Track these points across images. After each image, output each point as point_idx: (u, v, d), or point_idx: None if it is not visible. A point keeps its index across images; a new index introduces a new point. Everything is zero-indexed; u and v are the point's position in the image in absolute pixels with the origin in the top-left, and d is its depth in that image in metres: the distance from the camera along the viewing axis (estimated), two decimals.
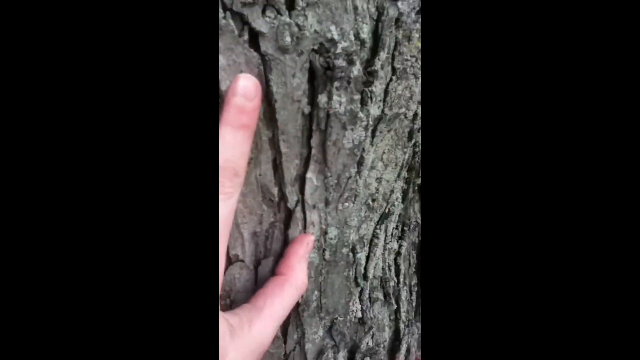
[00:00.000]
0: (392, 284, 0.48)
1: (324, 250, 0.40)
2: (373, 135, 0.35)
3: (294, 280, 0.35)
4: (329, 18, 0.29)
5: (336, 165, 0.35)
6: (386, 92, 0.34)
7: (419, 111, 0.37)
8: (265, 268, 0.38)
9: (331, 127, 0.33)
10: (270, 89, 0.30)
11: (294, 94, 0.31)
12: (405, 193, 0.44)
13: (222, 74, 0.29)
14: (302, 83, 0.31)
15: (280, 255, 0.38)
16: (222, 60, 0.28)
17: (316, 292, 0.42)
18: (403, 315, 0.50)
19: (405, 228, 0.47)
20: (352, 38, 0.30)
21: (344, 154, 0.35)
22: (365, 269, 0.44)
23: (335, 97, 0.31)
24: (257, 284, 0.39)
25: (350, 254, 0.42)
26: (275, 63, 0.29)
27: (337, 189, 0.37)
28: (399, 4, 0.31)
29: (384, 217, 0.43)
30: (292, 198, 0.36)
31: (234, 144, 0.28)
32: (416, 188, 0.45)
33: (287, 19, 0.28)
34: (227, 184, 0.29)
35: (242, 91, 0.28)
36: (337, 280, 0.42)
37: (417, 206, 0.47)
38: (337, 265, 0.42)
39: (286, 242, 0.38)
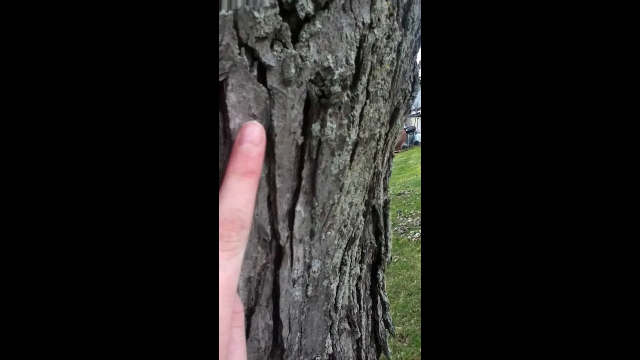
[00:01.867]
0: (355, 311, 0.48)
1: (307, 286, 0.39)
2: (352, 159, 0.36)
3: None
4: (326, 47, 0.30)
5: (323, 194, 0.35)
6: (361, 115, 0.35)
7: (383, 132, 0.39)
8: (257, 316, 0.35)
9: (322, 154, 0.33)
10: (271, 123, 0.29)
11: (291, 126, 0.31)
12: (364, 215, 0.45)
13: (232, 112, 0.27)
14: (299, 114, 0.31)
15: (271, 298, 0.36)
16: (232, 97, 0.27)
17: (298, 334, 0.40)
18: (364, 343, 0.51)
19: (364, 250, 0.48)
20: (345, 64, 0.31)
21: (330, 180, 0.35)
22: (336, 299, 0.44)
23: (328, 124, 0.32)
24: (249, 335, 0.36)
25: (328, 286, 0.41)
26: (278, 97, 0.29)
27: (322, 218, 0.36)
28: (375, 30, 0.33)
29: (350, 242, 0.44)
30: (284, 234, 0.34)
31: (240, 192, 0.27)
32: (371, 209, 0.46)
33: (293, 51, 0.28)
34: (234, 237, 0.26)
35: (248, 138, 0.27)
36: (317, 316, 0.41)
37: (370, 227, 0.48)
38: (317, 300, 0.41)
39: (276, 284, 0.36)
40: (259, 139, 0.28)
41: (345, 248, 0.43)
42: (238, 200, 0.27)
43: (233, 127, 0.27)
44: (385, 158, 0.45)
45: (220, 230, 0.26)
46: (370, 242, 0.49)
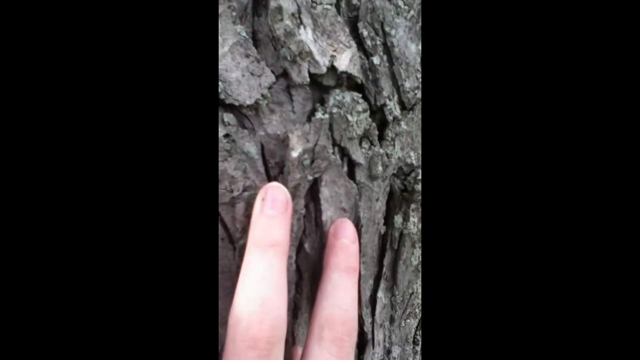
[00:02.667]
0: None
1: None
2: None
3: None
4: (409, 144, 0.31)
5: (403, 283, 0.36)
6: None
7: None
8: None
9: (403, 246, 0.34)
10: (358, 215, 0.31)
11: (375, 217, 0.32)
12: None
13: (324, 205, 0.29)
14: (382, 205, 0.32)
15: None
16: (325, 192, 0.29)
17: None
18: None
19: None
20: (421, 161, 0.33)
21: (410, 270, 0.36)
22: None
23: (410, 219, 0.33)
24: None
25: None
26: (365, 190, 0.31)
27: (402, 306, 0.37)
28: None
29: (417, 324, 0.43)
30: (367, 320, 0.35)
31: (346, 289, 0.26)
32: None
33: (380, 150, 0.30)
34: (347, 342, 0.25)
35: (344, 233, 0.28)
36: None
37: None
38: None
39: None
40: (354, 237, 0.28)
41: (417, 327, 0.43)
42: (345, 298, 0.26)
43: (325, 219, 0.29)
44: None
45: (329, 332, 0.25)
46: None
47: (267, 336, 0.22)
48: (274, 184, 0.26)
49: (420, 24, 0.31)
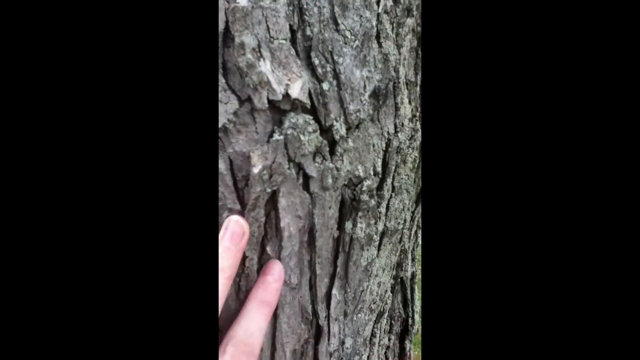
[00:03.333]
0: None
1: (341, 359, 0.43)
2: (379, 249, 0.42)
3: None
4: (357, 159, 0.36)
5: (354, 281, 0.40)
6: (387, 208, 0.41)
7: (408, 217, 0.44)
8: None
9: (353, 249, 0.39)
10: (313, 221, 0.35)
11: (329, 223, 0.36)
12: (393, 288, 0.50)
13: (282, 213, 0.33)
14: (335, 212, 0.37)
15: None
16: (283, 202, 0.33)
17: None
18: None
19: (393, 321, 0.52)
20: (372, 173, 0.37)
21: (360, 270, 0.40)
22: None
23: (358, 225, 0.38)
24: None
25: None
26: (319, 199, 0.35)
27: (354, 302, 0.41)
28: (399, 135, 0.39)
29: (380, 315, 0.48)
30: (322, 314, 0.39)
31: (256, 320, 0.31)
32: (399, 280, 0.51)
33: (330, 164, 0.34)
34: None
35: (270, 272, 0.33)
36: None
37: (399, 296, 0.53)
38: None
39: (316, 356, 0.41)
40: (279, 276, 0.33)
41: (375, 321, 0.48)
42: (252, 326, 0.31)
43: (283, 225, 0.33)
44: (412, 233, 0.50)
45: (232, 348, 0.29)
46: (399, 312, 0.53)
47: None
48: (235, 217, 0.31)
49: (363, 52, 0.36)
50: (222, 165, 0.30)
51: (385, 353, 0.52)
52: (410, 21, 0.38)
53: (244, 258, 0.33)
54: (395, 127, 0.39)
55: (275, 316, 0.36)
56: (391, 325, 0.52)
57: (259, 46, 0.30)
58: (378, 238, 0.40)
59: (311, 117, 0.32)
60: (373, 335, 0.48)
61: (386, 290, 0.47)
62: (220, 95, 0.29)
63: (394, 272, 0.48)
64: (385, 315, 0.50)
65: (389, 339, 0.52)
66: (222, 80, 0.30)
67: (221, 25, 0.29)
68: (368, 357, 0.48)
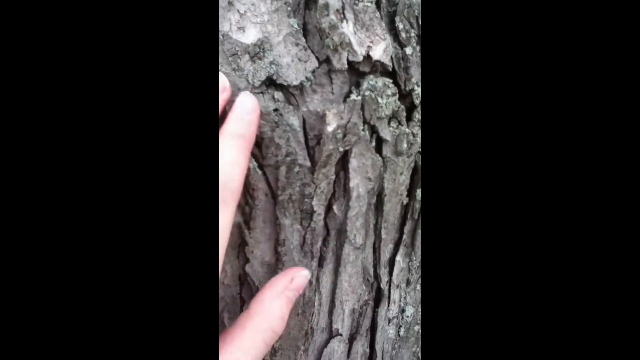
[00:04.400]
0: None
1: (400, 327, 0.44)
2: None
3: (263, 316, 0.31)
4: None
5: (419, 250, 0.41)
6: None
7: None
8: (358, 343, 0.41)
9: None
10: (382, 185, 0.36)
11: (399, 189, 0.37)
12: None
13: (352, 174, 0.34)
14: (406, 179, 0.37)
15: (369, 331, 0.41)
16: (354, 162, 0.34)
17: None
18: None
19: None
20: None
21: None
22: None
23: None
24: (350, 356, 0.42)
25: (418, 331, 0.46)
26: (390, 164, 0.35)
27: (418, 271, 0.42)
28: None
29: None
30: (384, 279, 0.40)
31: (229, 152, 0.28)
32: None
33: (406, 129, 0.34)
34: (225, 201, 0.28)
35: (248, 106, 0.29)
36: (406, 355, 0.46)
37: None
38: (407, 341, 0.45)
39: (374, 320, 0.42)
40: (252, 108, 0.29)
41: None
42: (228, 160, 0.28)
43: (352, 186, 0.34)
44: None
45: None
46: None
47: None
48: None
49: None
50: (296, 123, 0.32)
51: None
52: None
53: (312, 212, 0.34)
54: None
55: (336, 272, 0.38)
56: None
57: (343, 8, 0.31)
58: None
59: (391, 81, 0.33)
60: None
61: None
62: (299, 53, 0.31)
63: None
64: None
65: None
66: (302, 40, 0.31)
67: None
68: None
